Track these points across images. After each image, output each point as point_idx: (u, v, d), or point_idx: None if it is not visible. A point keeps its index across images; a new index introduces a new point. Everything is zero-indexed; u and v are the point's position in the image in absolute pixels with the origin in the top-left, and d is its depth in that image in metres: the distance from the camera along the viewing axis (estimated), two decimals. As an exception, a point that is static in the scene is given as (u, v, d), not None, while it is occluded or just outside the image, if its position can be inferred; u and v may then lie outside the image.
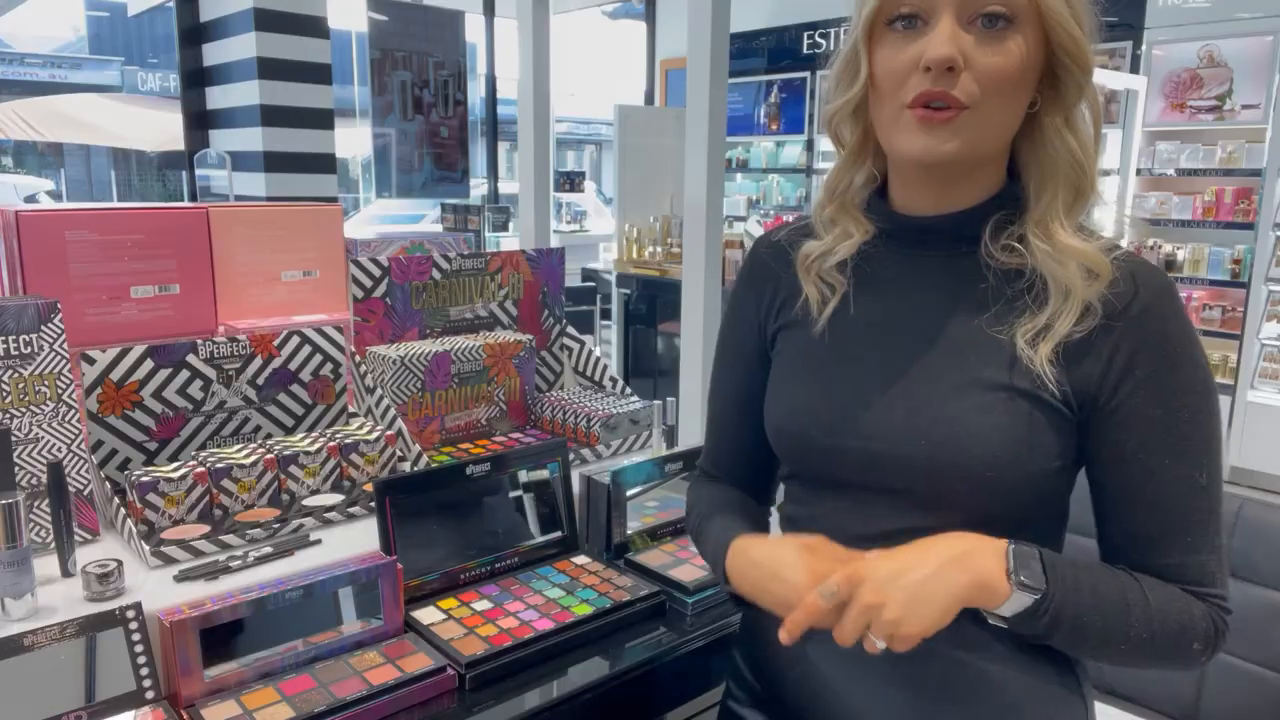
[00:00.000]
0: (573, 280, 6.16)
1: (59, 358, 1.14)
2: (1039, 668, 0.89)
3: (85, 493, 1.15)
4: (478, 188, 6.36)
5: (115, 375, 1.23)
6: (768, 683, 1.02)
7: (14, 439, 1.09)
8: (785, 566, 0.87)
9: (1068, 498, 0.92)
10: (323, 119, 4.41)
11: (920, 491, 0.87)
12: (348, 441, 1.31)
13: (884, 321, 0.93)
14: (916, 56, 0.82)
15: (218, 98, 4.52)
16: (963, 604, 0.80)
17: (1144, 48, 4.82)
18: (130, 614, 0.93)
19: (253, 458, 1.23)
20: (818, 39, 6.33)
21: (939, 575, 0.79)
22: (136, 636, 0.92)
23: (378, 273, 1.52)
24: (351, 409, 1.48)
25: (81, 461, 1.15)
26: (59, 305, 1.15)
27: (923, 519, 0.86)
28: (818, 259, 0.96)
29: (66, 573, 1.06)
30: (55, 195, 13.74)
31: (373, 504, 1.18)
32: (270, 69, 4.18)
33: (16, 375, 1.11)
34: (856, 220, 0.95)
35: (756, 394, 1.01)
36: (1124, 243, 0.88)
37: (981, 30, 0.81)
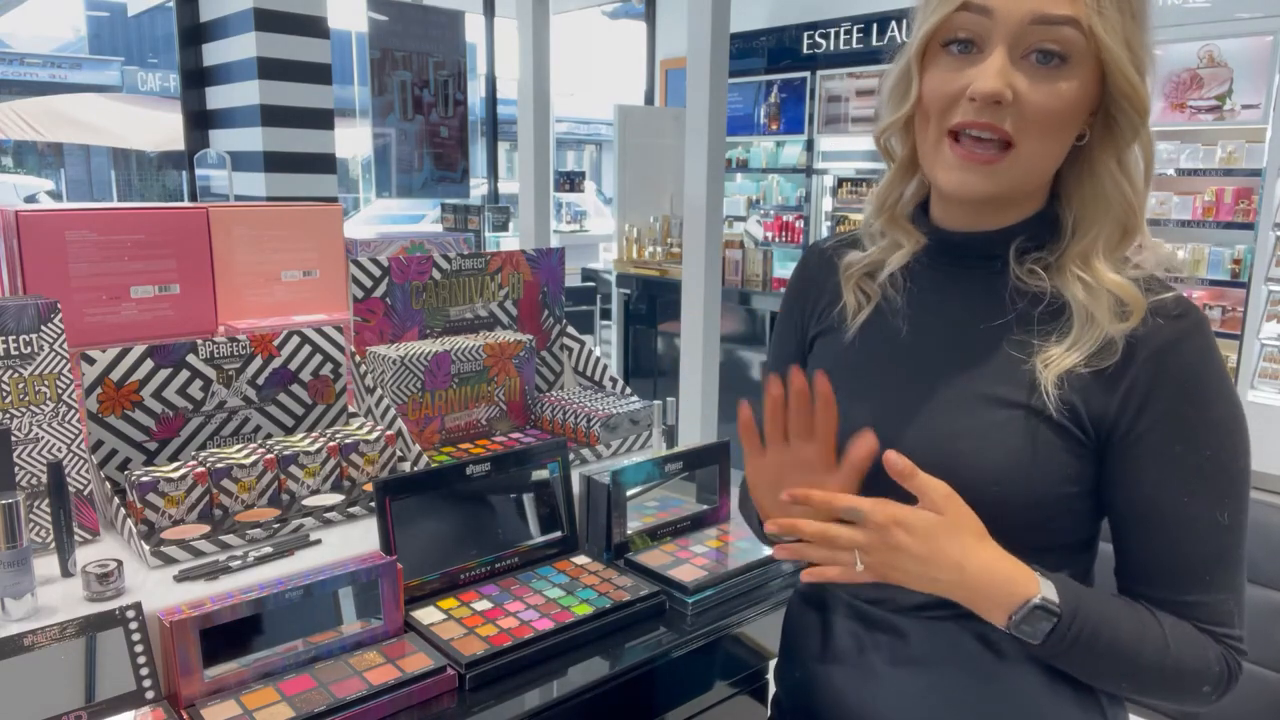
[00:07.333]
0: (573, 280, 6.17)
1: (59, 358, 1.14)
2: (1060, 685, 0.88)
3: (85, 493, 1.15)
4: (478, 188, 6.36)
5: (115, 375, 1.23)
6: (799, 709, 1.05)
7: (14, 439, 1.09)
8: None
9: (1092, 529, 0.91)
10: (323, 119, 4.41)
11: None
12: (348, 441, 1.32)
13: (913, 332, 0.94)
14: (966, 84, 0.81)
15: (218, 98, 4.52)
16: (960, 577, 0.81)
17: (1144, 48, 4.81)
18: (130, 614, 0.93)
19: (253, 458, 1.23)
20: (818, 39, 6.32)
21: (964, 552, 0.81)
22: (136, 636, 0.92)
23: (378, 273, 1.52)
24: (351, 409, 1.48)
25: (81, 461, 1.15)
26: (59, 305, 1.15)
27: None
28: (861, 269, 0.97)
29: (66, 573, 1.06)
30: (55, 195, 13.73)
31: (373, 504, 1.18)
32: (270, 69, 4.18)
33: (16, 375, 1.11)
34: (907, 231, 0.95)
35: None
36: (1160, 273, 0.86)
37: (1035, 66, 0.79)
